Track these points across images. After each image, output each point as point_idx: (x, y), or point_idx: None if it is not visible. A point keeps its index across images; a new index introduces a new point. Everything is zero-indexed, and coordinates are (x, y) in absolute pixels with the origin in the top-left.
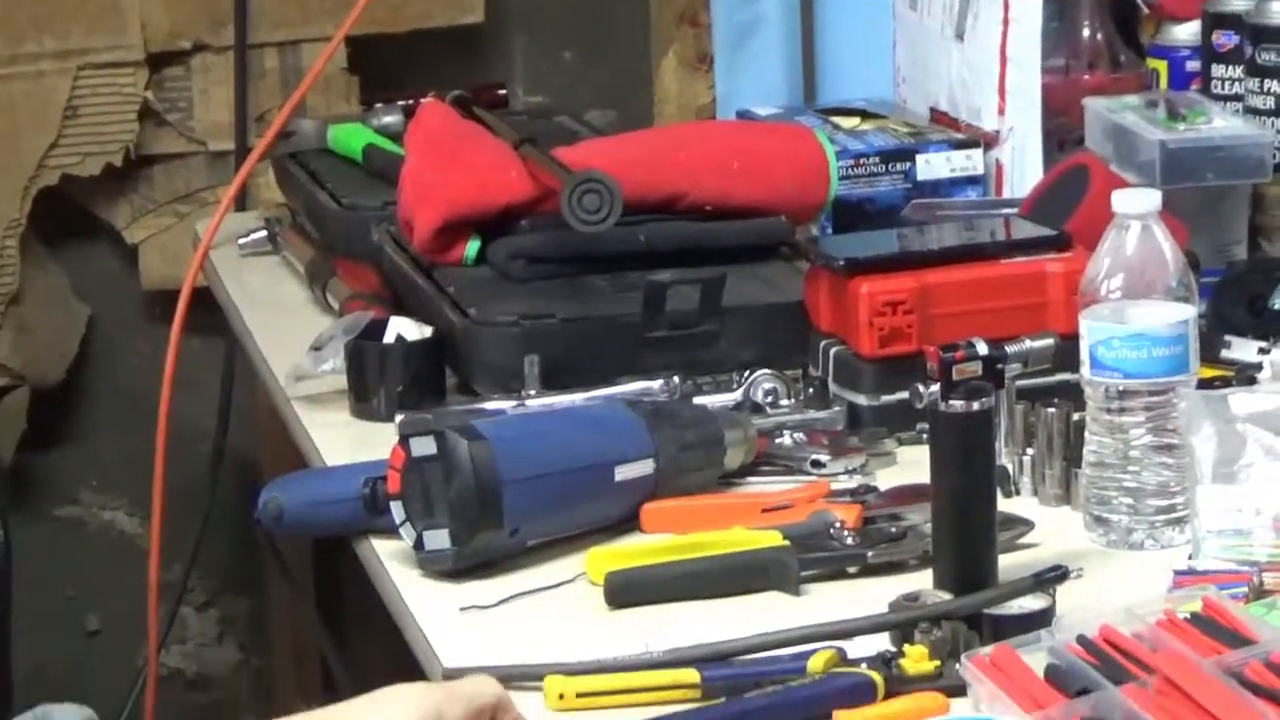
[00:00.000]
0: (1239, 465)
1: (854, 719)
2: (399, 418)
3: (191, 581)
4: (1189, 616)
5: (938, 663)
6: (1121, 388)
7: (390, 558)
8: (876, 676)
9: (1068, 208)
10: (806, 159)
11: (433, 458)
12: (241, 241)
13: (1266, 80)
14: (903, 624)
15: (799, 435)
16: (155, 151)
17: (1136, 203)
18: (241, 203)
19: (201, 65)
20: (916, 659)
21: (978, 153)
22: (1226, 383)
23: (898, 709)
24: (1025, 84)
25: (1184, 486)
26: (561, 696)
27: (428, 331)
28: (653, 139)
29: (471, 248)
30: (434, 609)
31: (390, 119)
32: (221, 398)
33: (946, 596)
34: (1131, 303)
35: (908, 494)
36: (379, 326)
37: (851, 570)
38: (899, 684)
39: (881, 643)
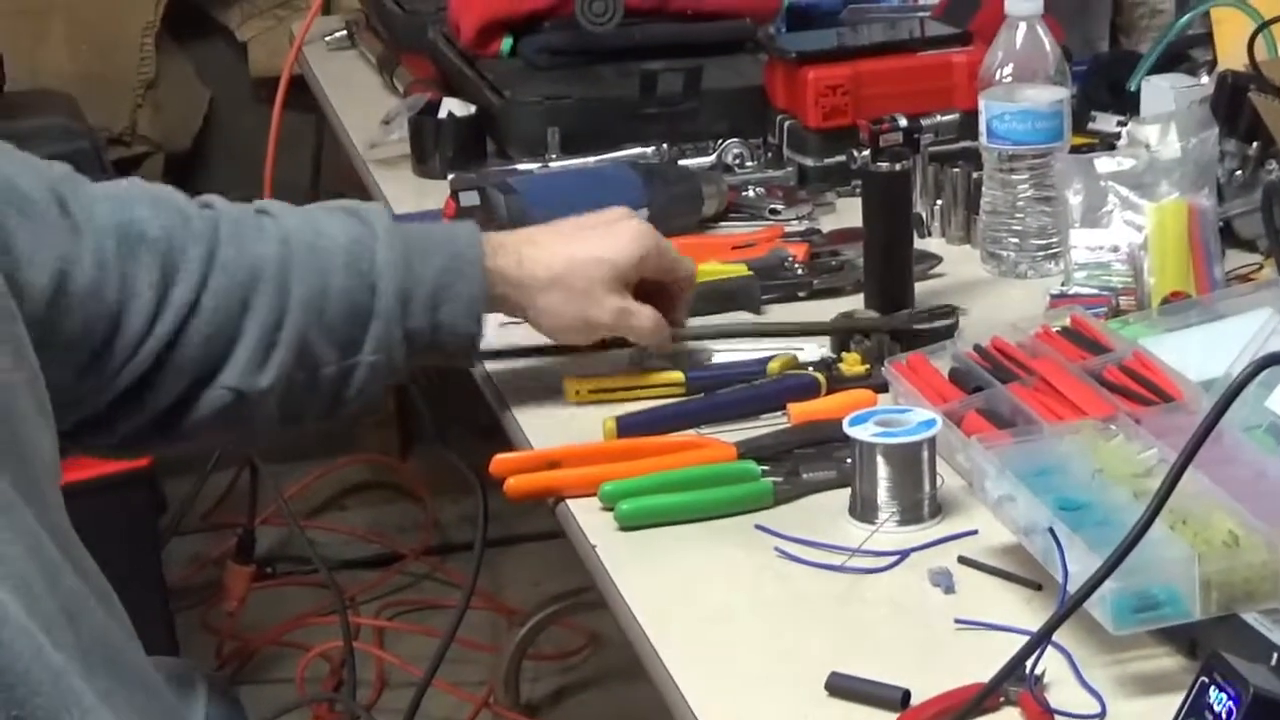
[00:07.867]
0: (1101, 213)
1: (803, 409)
2: (450, 176)
3: None
4: (1060, 330)
5: (867, 366)
6: (1011, 152)
7: None
8: (820, 377)
9: (970, 11)
10: None
11: (476, 207)
12: (327, 39)
13: None
14: (841, 334)
15: (760, 189)
16: None
17: (1023, 6)
18: (327, 8)
19: None
20: (851, 363)
21: None
22: (1092, 149)
23: (837, 402)
24: None
25: (1058, 229)
26: (578, 393)
27: (472, 109)
28: None
29: (506, 43)
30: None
31: None
32: (313, 161)
33: (874, 314)
34: (1019, 86)
35: (845, 235)
36: (435, 105)
37: (801, 294)
38: (838, 383)
39: (824, 351)
